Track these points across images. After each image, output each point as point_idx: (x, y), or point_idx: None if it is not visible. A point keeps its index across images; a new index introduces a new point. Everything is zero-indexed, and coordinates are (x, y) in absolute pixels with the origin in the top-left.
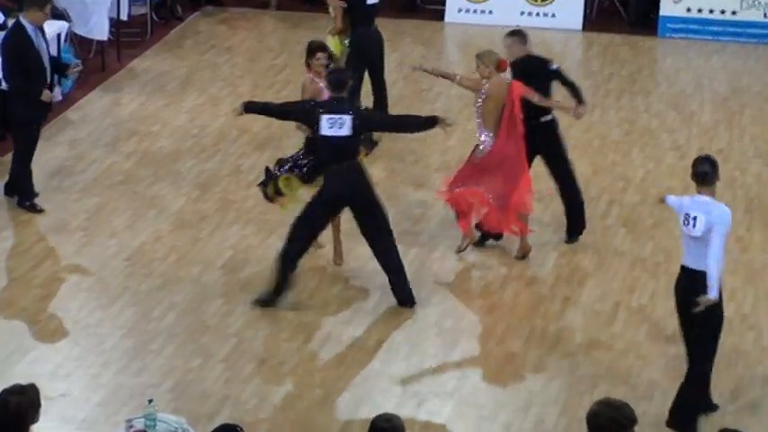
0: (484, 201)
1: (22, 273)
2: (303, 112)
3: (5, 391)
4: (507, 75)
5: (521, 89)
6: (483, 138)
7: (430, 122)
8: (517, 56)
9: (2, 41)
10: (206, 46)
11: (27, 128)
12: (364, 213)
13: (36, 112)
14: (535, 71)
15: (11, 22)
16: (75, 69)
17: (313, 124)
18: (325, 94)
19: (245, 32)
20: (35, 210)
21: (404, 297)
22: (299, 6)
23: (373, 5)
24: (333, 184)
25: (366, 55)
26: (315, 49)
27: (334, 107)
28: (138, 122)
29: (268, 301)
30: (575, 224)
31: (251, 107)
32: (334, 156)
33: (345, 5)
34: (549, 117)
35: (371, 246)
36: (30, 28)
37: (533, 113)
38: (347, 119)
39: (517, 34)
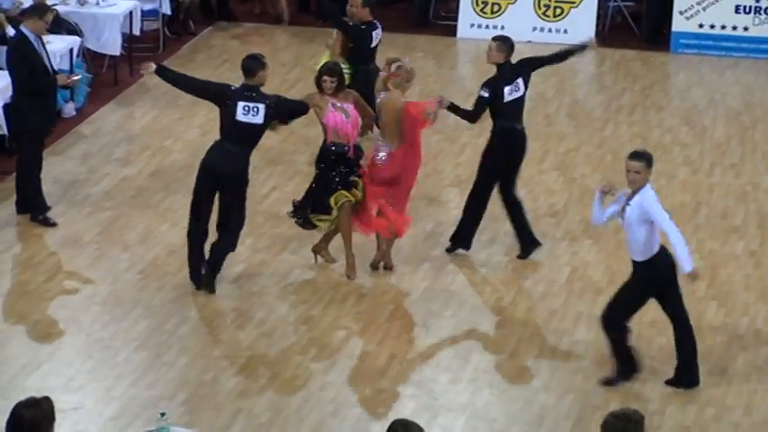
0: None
1: (36, 286)
2: (218, 95)
3: (20, 404)
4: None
5: (415, 108)
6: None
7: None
8: (494, 61)
9: (8, 53)
10: (218, 60)
11: (34, 137)
12: (229, 198)
13: (44, 123)
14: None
15: None
16: (74, 79)
17: (225, 107)
18: (331, 111)
19: (258, 47)
20: (48, 223)
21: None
22: (312, 21)
23: (376, 47)
24: (215, 158)
25: (366, 90)
26: (322, 72)
27: (250, 96)
28: (151, 136)
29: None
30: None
31: (164, 73)
32: (240, 139)
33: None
34: (520, 126)
35: (217, 226)
36: (32, 37)
37: (512, 118)
38: (262, 107)
39: (500, 40)
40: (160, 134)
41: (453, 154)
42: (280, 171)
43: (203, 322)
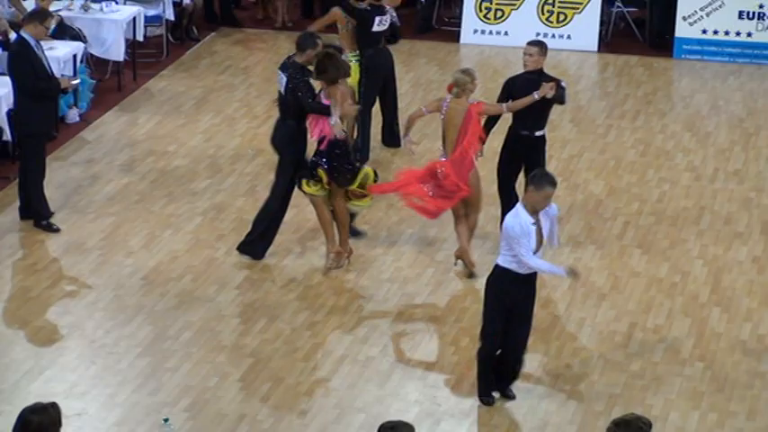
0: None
1: (39, 292)
2: None
3: (27, 409)
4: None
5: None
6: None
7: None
8: (533, 67)
9: (9, 58)
10: (222, 66)
11: (37, 141)
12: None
13: (46, 126)
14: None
15: None
16: (74, 83)
17: None
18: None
19: (261, 53)
20: (52, 229)
21: None
22: None
23: (379, 31)
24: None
25: (378, 74)
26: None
27: (283, 65)
28: (154, 142)
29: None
30: None
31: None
32: (280, 109)
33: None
34: (541, 132)
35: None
36: (32, 42)
37: (531, 126)
38: (284, 77)
39: (541, 45)
40: (163, 140)
41: None
42: None
43: (206, 328)
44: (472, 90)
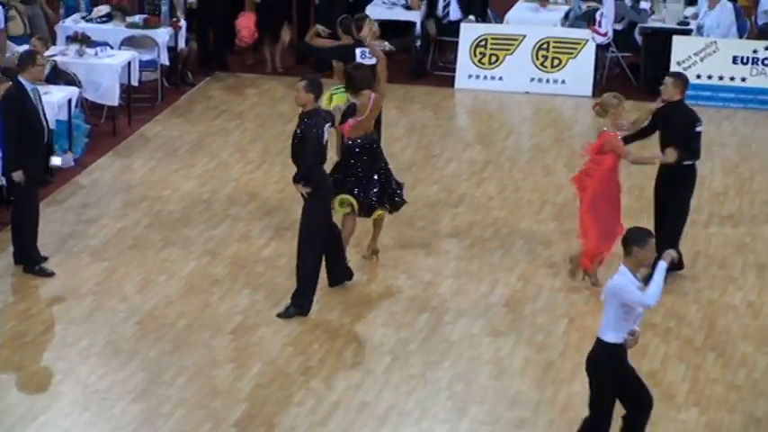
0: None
1: (33, 337)
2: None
3: None
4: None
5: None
6: None
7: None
8: (671, 98)
9: (2, 101)
10: (216, 111)
11: (27, 188)
12: None
13: (37, 172)
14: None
15: None
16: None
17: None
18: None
19: (256, 98)
20: (45, 273)
21: None
22: (308, 71)
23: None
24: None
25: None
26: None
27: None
28: (149, 187)
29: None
30: None
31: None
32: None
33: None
34: (690, 161)
35: None
36: (29, 87)
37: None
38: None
39: (681, 77)
40: (158, 185)
41: (451, 204)
42: (277, 222)
43: (200, 373)
44: (617, 115)
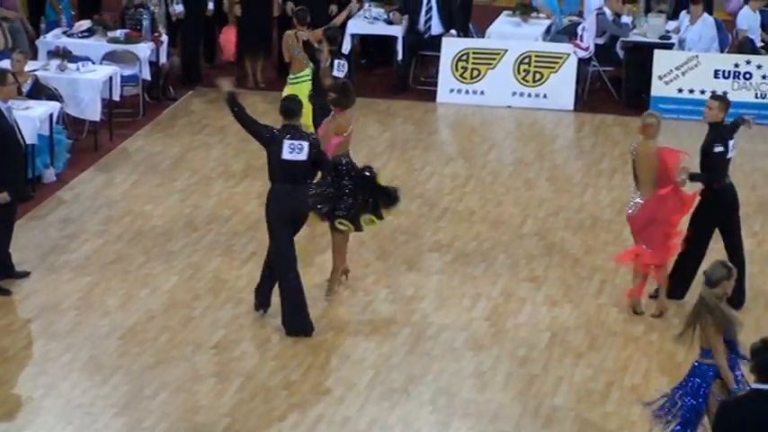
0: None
1: (15, 352)
2: (261, 137)
3: None
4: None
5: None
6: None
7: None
8: (713, 119)
9: None
10: (198, 126)
11: (7, 204)
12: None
13: (15, 192)
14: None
15: None
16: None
17: (272, 148)
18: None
19: None
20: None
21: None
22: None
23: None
24: (293, 203)
25: None
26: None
27: (294, 135)
28: (131, 202)
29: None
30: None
31: (233, 102)
32: (290, 178)
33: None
34: (718, 186)
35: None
36: (3, 107)
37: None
38: (305, 145)
39: (722, 100)
40: (140, 200)
41: (433, 219)
42: (260, 236)
43: (183, 388)
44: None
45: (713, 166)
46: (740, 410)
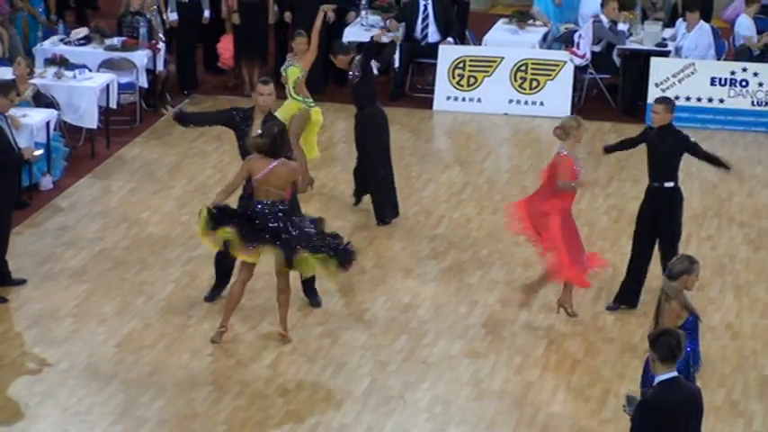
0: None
1: (12, 359)
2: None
3: None
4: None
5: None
6: None
7: None
8: (663, 122)
9: None
10: (195, 133)
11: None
12: None
13: (8, 200)
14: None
15: None
16: (36, 154)
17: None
18: None
19: None
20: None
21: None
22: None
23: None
24: None
25: (381, 134)
26: None
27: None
28: (128, 209)
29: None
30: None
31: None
32: None
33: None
34: (671, 184)
35: None
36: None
37: (658, 176)
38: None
39: (666, 102)
40: (137, 207)
41: (430, 226)
42: None
43: (179, 395)
44: (577, 138)
45: (676, 167)
46: (657, 405)
